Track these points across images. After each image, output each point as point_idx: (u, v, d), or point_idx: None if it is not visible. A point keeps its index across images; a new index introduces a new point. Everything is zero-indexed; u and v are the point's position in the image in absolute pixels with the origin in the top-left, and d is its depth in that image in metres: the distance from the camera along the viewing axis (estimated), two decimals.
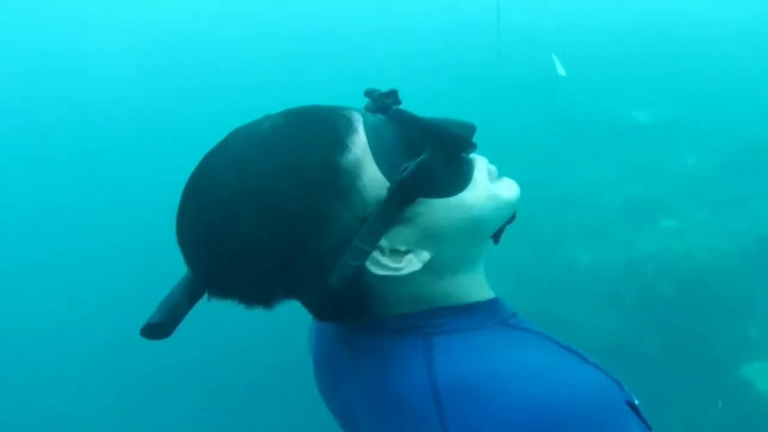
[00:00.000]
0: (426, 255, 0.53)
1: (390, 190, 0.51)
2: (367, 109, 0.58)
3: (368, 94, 0.58)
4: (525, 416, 0.46)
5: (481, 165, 0.57)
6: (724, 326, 3.75)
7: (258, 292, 0.52)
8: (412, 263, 0.53)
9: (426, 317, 0.55)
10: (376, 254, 0.51)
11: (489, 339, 0.54)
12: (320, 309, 0.59)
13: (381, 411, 0.55)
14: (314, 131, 0.51)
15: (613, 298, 3.94)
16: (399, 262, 0.52)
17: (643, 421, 0.50)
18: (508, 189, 0.58)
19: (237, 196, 0.48)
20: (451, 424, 0.48)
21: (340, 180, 0.50)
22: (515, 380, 0.49)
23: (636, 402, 0.51)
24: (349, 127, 0.52)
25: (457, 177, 0.54)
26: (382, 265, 0.52)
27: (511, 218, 0.59)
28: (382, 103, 0.57)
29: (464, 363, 0.51)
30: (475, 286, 0.59)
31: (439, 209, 0.53)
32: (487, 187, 0.56)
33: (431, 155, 0.52)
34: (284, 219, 0.48)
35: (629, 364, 3.74)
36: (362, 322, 0.57)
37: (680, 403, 3.54)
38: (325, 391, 0.68)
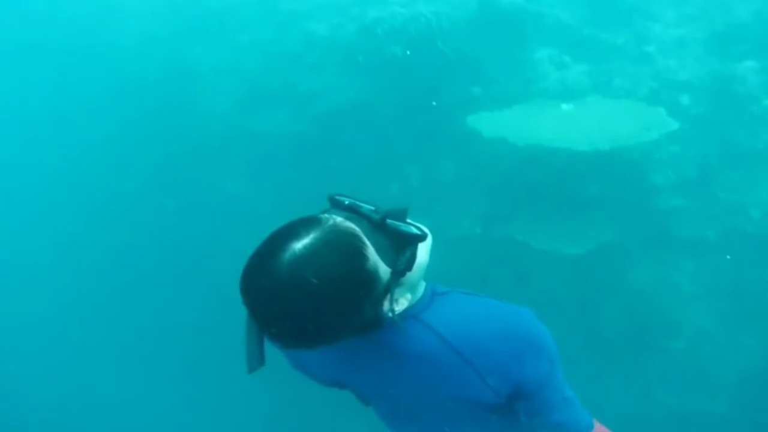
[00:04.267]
0: (409, 296, 1.48)
1: (392, 274, 1.37)
2: (341, 208, 1.41)
3: (354, 208, 1.39)
4: (502, 325, 1.52)
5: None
6: (451, 84, 5.68)
7: (329, 341, 1.30)
8: (405, 301, 1.46)
9: (412, 308, 1.52)
10: (393, 303, 1.38)
11: (444, 301, 1.58)
12: (358, 332, 1.38)
13: (415, 366, 1.52)
14: (346, 254, 1.26)
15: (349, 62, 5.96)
16: (399, 303, 1.43)
17: None
18: (423, 252, 1.49)
19: (323, 295, 1.21)
20: (463, 348, 1.49)
21: (371, 278, 1.30)
22: (477, 308, 1.58)
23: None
24: (362, 243, 1.29)
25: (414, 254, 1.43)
26: (396, 307, 1.40)
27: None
28: (382, 219, 1.37)
29: (446, 317, 1.53)
30: (423, 285, 1.60)
31: (413, 274, 1.44)
32: (423, 251, 1.51)
33: (413, 251, 1.41)
34: (350, 303, 1.26)
35: (369, 122, 5.78)
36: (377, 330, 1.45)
37: (417, 157, 5.61)
38: (332, 371, 1.70)
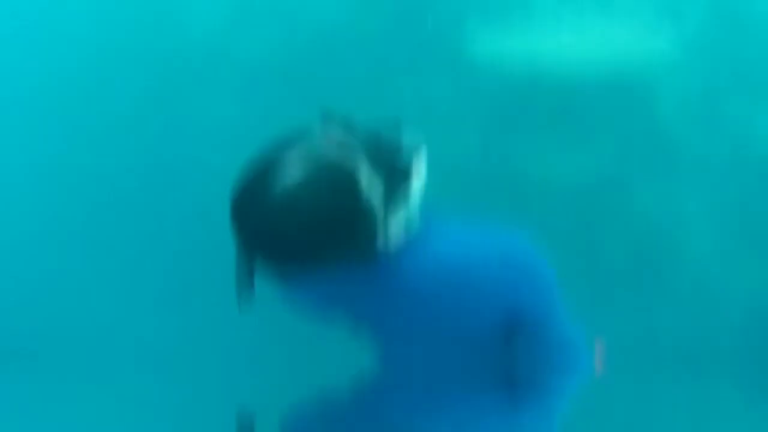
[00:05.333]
0: (405, 225, 1.41)
1: (388, 203, 1.34)
2: (334, 127, 1.36)
3: (347, 130, 1.35)
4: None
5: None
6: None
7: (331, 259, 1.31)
8: (401, 231, 1.40)
9: (408, 239, 1.44)
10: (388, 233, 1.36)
11: (441, 231, 1.50)
12: (352, 263, 1.36)
13: (410, 299, 1.47)
14: (340, 181, 1.24)
15: None
16: (394, 233, 1.39)
17: None
18: (419, 181, 1.46)
19: (317, 218, 1.22)
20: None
21: (365, 206, 1.27)
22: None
23: None
24: (356, 169, 1.27)
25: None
26: (392, 237, 1.38)
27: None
28: (377, 142, 1.37)
29: (442, 247, 1.47)
30: (419, 214, 1.53)
31: (409, 203, 1.41)
32: (419, 180, 1.49)
33: (409, 179, 1.42)
34: (344, 233, 1.25)
35: (359, 40, 5.30)
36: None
37: (410, 81, 4.82)
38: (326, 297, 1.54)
